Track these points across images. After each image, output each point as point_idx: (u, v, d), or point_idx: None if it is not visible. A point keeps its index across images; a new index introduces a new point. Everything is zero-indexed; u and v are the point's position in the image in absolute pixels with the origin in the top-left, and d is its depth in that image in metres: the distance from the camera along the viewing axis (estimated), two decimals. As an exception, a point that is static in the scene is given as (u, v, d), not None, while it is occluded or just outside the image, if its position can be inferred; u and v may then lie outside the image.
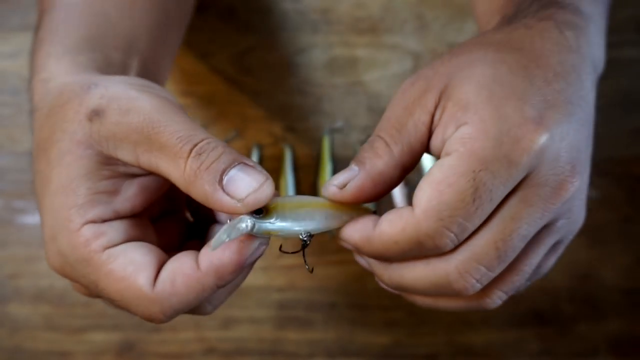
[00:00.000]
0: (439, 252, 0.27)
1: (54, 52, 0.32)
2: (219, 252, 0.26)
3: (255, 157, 0.55)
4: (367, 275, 0.54)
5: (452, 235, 0.25)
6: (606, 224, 0.53)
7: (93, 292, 0.28)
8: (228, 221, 0.27)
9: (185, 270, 0.26)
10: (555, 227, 0.28)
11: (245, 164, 0.26)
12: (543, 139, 0.25)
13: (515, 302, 0.53)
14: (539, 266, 0.30)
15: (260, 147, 0.55)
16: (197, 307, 0.29)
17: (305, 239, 0.28)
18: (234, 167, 0.26)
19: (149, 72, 0.37)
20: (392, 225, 0.26)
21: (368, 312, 0.53)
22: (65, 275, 0.28)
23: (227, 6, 0.57)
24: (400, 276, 0.28)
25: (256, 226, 0.26)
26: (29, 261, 0.53)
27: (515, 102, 0.26)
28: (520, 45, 0.28)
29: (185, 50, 0.56)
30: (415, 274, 0.28)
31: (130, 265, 0.26)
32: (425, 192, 0.26)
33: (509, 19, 0.31)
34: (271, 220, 0.27)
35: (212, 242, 0.26)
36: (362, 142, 0.55)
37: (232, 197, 0.25)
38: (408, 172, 0.29)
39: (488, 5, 0.38)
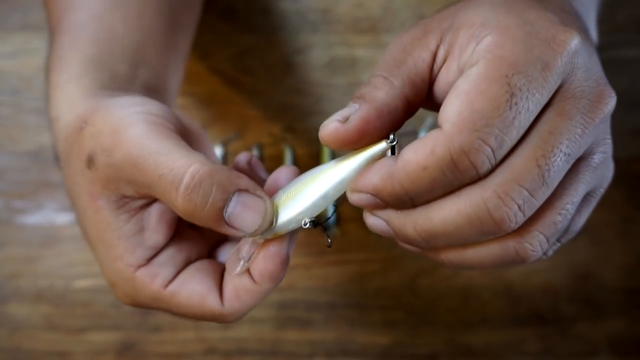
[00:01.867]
0: (475, 176, 0.23)
1: (60, 80, 0.33)
2: (262, 261, 0.28)
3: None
4: (367, 275, 0.54)
5: (489, 150, 0.22)
6: (606, 224, 0.53)
7: (170, 314, 0.31)
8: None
9: (246, 286, 0.28)
10: (592, 162, 0.25)
11: (241, 191, 0.26)
12: (575, 40, 0.23)
13: (515, 302, 0.53)
14: (572, 221, 0.27)
15: (260, 147, 0.55)
16: None
17: (309, 226, 0.27)
18: (230, 200, 0.26)
19: (161, 78, 0.37)
20: (418, 150, 0.23)
21: (368, 312, 0.53)
22: (140, 307, 0.31)
23: (227, 6, 0.57)
24: (429, 220, 0.24)
25: (259, 238, 0.28)
26: (29, 261, 0.53)
27: (537, 10, 0.24)
28: None
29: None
30: (446, 211, 0.24)
31: (195, 296, 0.29)
32: (453, 105, 0.23)
33: None
34: (271, 227, 0.27)
35: (238, 271, 0.28)
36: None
37: (238, 230, 0.26)
38: (413, 109, 0.26)
39: None
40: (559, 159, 0.23)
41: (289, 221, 0.27)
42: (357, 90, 0.26)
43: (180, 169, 0.25)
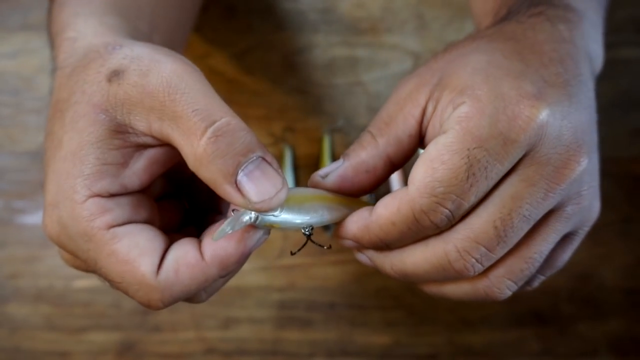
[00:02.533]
0: (436, 230, 0.26)
1: (82, 11, 0.31)
2: (223, 243, 0.26)
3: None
4: (367, 275, 0.54)
5: (446, 211, 0.25)
6: (606, 224, 0.53)
7: (90, 267, 0.27)
8: (231, 212, 0.27)
9: (189, 260, 0.26)
10: (564, 213, 0.27)
11: (264, 160, 0.25)
12: (542, 114, 0.25)
13: (515, 302, 0.53)
14: (553, 259, 0.29)
15: (260, 147, 0.55)
16: (193, 296, 0.28)
17: (307, 232, 0.28)
18: (251, 161, 0.25)
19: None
20: (388, 207, 0.26)
21: (368, 312, 0.53)
22: (60, 245, 0.27)
23: (227, 6, 0.57)
24: (402, 262, 0.28)
25: (260, 219, 0.26)
26: (29, 261, 0.53)
27: (512, 80, 0.26)
28: (513, 35, 0.28)
29: (186, 50, 0.56)
30: (416, 257, 0.27)
31: (135, 249, 0.25)
32: (419, 170, 0.25)
33: (501, 19, 0.31)
34: (275, 214, 0.26)
35: (216, 233, 0.25)
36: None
37: (244, 195, 0.25)
38: (396, 166, 0.29)
39: (482, 6, 0.38)
40: (517, 221, 0.25)
41: (292, 220, 0.27)
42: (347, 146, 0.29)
43: (219, 112, 0.25)
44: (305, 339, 0.53)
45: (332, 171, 0.29)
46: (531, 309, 0.53)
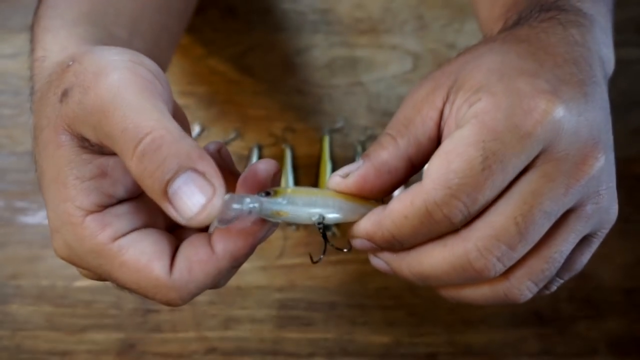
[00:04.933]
0: (451, 227, 0.25)
1: (51, 26, 0.31)
2: (233, 236, 0.26)
3: (255, 157, 0.55)
4: (367, 275, 0.54)
5: (460, 204, 0.24)
6: (606, 223, 0.53)
7: (106, 279, 0.28)
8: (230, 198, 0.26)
9: (201, 257, 0.26)
10: (584, 212, 0.26)
11: (194, 170, 0.24)
12: (559, 110, 0.25)
13: (515, 302, 0.53)
14: (572, 262, 0.28)
15: (260, 147, 0.55)
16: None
17: (319, 224, 0.27)
18: (178, 176, 0.24)
19: (152, 55, 0.36)
20: (401, 200, 0.26)
21: (368, 311, 0.53)
22: (74, 264, 0.28)
23: (227, 6, 0.57)
24: (419, 263, 0.27)
25: (264, 206, 0.26)
26: (30, 261, 0.54)
27: (527, 78, 0.25)
28: (526, 38, 0.28)
29: (185, 50, 0.56)
30: (434, 258, 0.26)
31: (143, 256, 0.26)
32: (434, 163, 0.25)
33: (513, 24, 0.31)
34: (278, 200, 0.26)
35: (216, 222, 0.25)
36: (362, 142, 0.55)
37: (177, 213, 0.24)
38: (416, 168, 0.28)
39: (489, 13, 0.37)
40: (538, 218, 0.25)
41: (303, 211, 0.27)
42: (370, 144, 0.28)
43: (144, 129, 0.24)
44: (305, 338, 0.53)
45: (352, 171, 0.28)
46: (531, 309, 0.53)
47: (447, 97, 0.27)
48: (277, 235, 0.54)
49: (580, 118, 0.25)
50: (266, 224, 0.27)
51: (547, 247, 0.26)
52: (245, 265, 0.58)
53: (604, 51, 0.30)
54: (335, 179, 0.28)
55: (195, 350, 0.53)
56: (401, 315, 0.53)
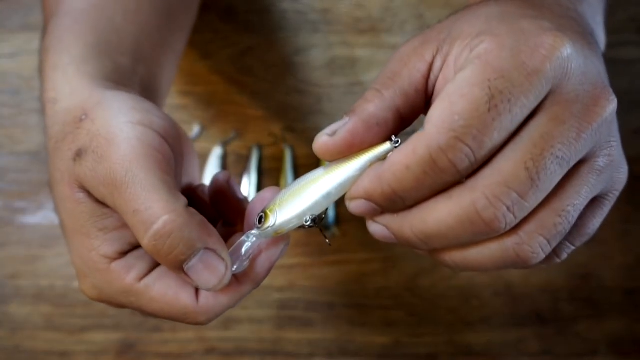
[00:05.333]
0: (457, 176, 0.24)
1: (60, 63, 0.32)
2: (253, 262, 0.28)
3: (255, 157, 0.55)
4: (367, 275, 0.54)
5: (466, 148, 0.23)
6: (606, 224, 0.53)
7: (137, 310, 0.30)
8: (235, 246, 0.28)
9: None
10: (596, 165, 0.25)
11: (206, 249, 0.26)
12: (567, 46, 0.23)
13: (515, 302, 0.53)
14: (583, 224, 0.26)
15: (260, 147, 0.55)
16: None
17: (310, 225, 0.27)
18: (194, 256, 0.26)
19: (155, 76, 0.37)
20: (402, 151, 0.24)
21: (368, 312, 0.53)
22: (105, 302, 0.30)
23: (227, 6, 0.57)
24: (423, 221, 0.25)
25: (261, 237, 0.28)
26: (29, 261, 0.54)
27: (530, 19, 0.24)
28: None
29: (185, 50, 0.56)
30: (439, 212, 0.24)
31: (169, 290, 0.28)
32: (436, 107, 0.23)
33: None
34: (270, 224, 0.27)
35: (235, 268, 0.28)
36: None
37: (195, 283, 0.27)
38: (405, 121, 0.27)
39: None
40: (549, 162, 0.23)
41: (291, 219, 0.27)
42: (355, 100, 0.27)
43: (156, 213, 0.26)
44: (305, 338, 0.53)
45: (340, 127, 0.26)
46: (531, 309, 0.53)
47: (439, 50, 0.26)
48: (276, 235, 0.54)
49: (587, 61, 0.24)
50: (278, 243, 0.29)
51: (560, 200, 0.24)
52: (245, 265, 0.57)
53: (596, 31, 0.29)
54: (322, 139, 0.26)
55: (195, 350, 0.52)
56: (401, 315, 0.53)
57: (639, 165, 0.53)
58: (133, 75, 0.34)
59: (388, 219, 0.26)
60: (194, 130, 0.55)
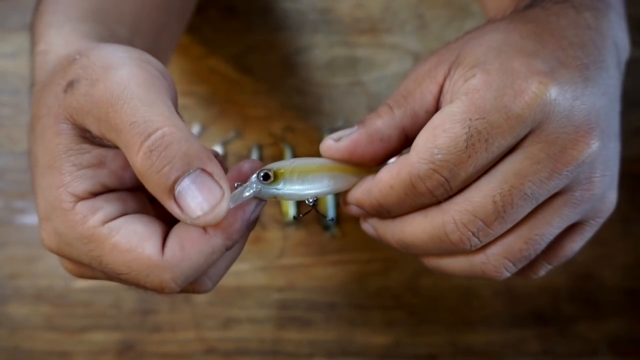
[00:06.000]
0: (433, 199, 0.26)
1: (55, 21, 0.31)
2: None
3: (255, 157, 0.55)
4: (367, 275, 0.54)
5: (442, 179, 0.25)
6: (606, 224, 0.53)
7: (96, 270, 0.27)
8: (235, 185, 0.27)
9: (192, 235, 0.25)
10: (572, 198, 0.26)
11: (204, 171, 0.24)
12: (551, 91, 0.24)
13: (515, 302, 0.53)
14: (560, 247, 0.28)
15: (260, 147, 0.55)
16: (198, 283, 0.28)
17: (312, 202, 0.28)
18: (187, 175, 0.24)
19: (152, 53, 0.36)
20: (389, 170, 0.27)
21: (368, 312, 0.53)
22: (61, 254, 0.27)
23: (227, 6, 0.57)
24: (402, 231, 0.28)
25: (262, 191, 0.27)
26: (29, 261, 0.53)
27: (524, 58, 0.25)
28: (534, 19, 0.28)
29: (185, 49, 0.56)
30: (414, 227, 0.27)
31: (134, 236, 0.25)
32: (421, 137, 0.26)
33: (524, 7, 0.30)
34: (278, 187, 0.27)
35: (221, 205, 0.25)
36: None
37: (183, 212, 0.24)
38: (410, 140, 0.28)
39: (499, 3, 0.37)
40: (517, 199, 0.25)
41: (295, 195, 0.28)
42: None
43: (154, 124, 0.24)
44: (305, 339, 0.53)
45: (345, 135, 0.28)
46: (531, 309, 0.53)
47: (449, 72, 0.27)
48: (277, 235, 0.54)
49: (575, 102, 0.25)
50: (252, 203, 0.27)
51: (528, 228, 0.26)
52: (245, 266, 0.58)
53: (619, 36, 0.29)
54: (327, 142, 0.28)
55: (195, 350, 0.52)
56: (401, 315, 0.53)
57: (639, 165, 0.53)
58: (130, 46, 0.33)
59: (375, 222, 0.30)
60: (194, 130, 0.55)
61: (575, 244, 0.29)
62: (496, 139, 0.24)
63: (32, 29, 0.33)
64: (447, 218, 0.26)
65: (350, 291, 0.53)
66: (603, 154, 0.26)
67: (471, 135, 0.24)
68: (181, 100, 0.56)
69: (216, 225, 0.25)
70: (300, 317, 0.53)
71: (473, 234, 0.26)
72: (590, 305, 0.53)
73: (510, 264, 0.27)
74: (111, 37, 0.32)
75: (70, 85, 0.26)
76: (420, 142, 0.26)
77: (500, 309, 0.53)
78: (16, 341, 0.52)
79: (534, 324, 0.53)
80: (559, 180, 0.25)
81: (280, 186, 0.27)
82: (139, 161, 0.24)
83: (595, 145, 0.25)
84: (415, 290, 0.53)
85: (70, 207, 0.26)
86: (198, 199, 0.24)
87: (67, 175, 0.26)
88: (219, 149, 0.55)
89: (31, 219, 0.54)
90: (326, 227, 0.54)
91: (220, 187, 0.24)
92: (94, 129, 0.26)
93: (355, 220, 0.54)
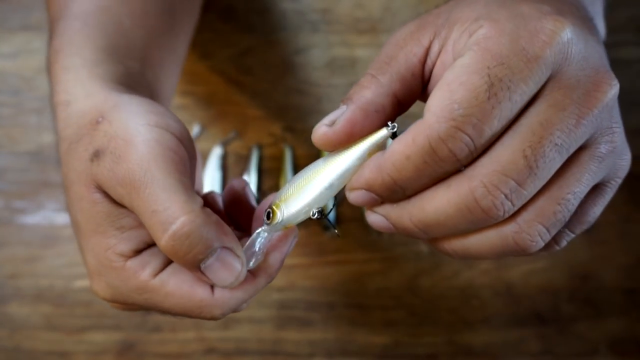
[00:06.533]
0: (456, 164, 0.23)
1: (72, 65, 0.32)
2: (265, 256, 0.29)
3: (255, 157, 0.55)
4: (367, 275, 0.54)
5: (466, 137, 0.22)
6: (606, 224, 0.53)
7: (151, 309, 0.30)
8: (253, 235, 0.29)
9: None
10: (597, 152, 0.24)
11: (224, 248, 0.27)
12: (567, 31, 0.23)
13: (515, 302, 0.53)
14: (583, 212, 0.26)
15: (260, 147, 0.55)
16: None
17: (318, 217, 0.28)
18: (211, 256, 0.27)
19: (161, 81, 0.37)
20: (402, 140, 0.24)
21: (368, 311, 0.53)
22: (116, 301, 0.30)
23: (227, 6, 0.57)
24: (422, 209, 0.25)
25: (271, 230, 0.29)
26: (29, 261, 0.54)
27: (530, 3, 0.24)
28: None
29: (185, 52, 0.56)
30: (437, 201, 0.24)
31: (184, 284, 0.28)
32: (435, 95, 0.23)
33: None
34: (278, 220, 0.28)
35: (252, 264, 0.29)
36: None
37: (211, 281, 0.27)
38: (403, 106, 0.27)
39: None
40: (548, 150, 0.23)
41: (298, 213, 0.28)
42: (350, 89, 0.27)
43: (174, 213, 0.26)
44: (305, 339, 0.53)
45: (338, 117, 0.26)
46: (531, 309, 0.53)
47: (436, 34, 0.26)
48: (276, 235, 0.54)
49: (587, 45, 0.24)
50: (288, 237, 0.30)
51: (559, 187, 0.24)
52: (245, 265, 0.57)
53: (599, 24, 0.30)
54: (321, 129, 0.26)
55: (195, 350, 0.52)
56: (401, 315, 0.53)
57: (639, 165, 0.53)
58: (142, 80, 0.34)
59: (387, 208, 0.26)
60: (194, 130, 0.55)
61: (597, 208, 0.26)
62: (518, 85, 0.22)
63: (48, 69, 0.33)
64: (475, 183, 0.23)
65: (350, 291, 0.53)
66: (616, 103, 0.25)
67: (492, 84, 0.22)
68: (181, 101, 0.56)
69: (261, 267, 0.29)
70: (300, 317, 0.53)
71: (506, 196, 0.23)
72: (590, 305, 0.53)
73: (545, 230, 0.24)
74: (125, 74, 0.33)
75: (97, 155, 0.28)
76: (435, 102, 0.23)
77: (500, 309, 0.53)
78: (16, 341, 0.52)
79: (534, 324, 0.53)
80: (586, 127, 0.23)
81: (278, 217, 0.28)
82: (163, 245, 0.26)
83: (615, 86, 0.24)
84: (415, 290, 0.53)
85: (121, 266, 0.28)
86: (222, 274, 0.27)
87: (112, 238, 0.28)
88: (218, 149, 0.55)
89: (31, 219, 0.54)
90: (326, 228, 0.53)
91: (239, 258, 0.27)
92: (120, 200, 0.28)
93: (355, 220, 0.54)
